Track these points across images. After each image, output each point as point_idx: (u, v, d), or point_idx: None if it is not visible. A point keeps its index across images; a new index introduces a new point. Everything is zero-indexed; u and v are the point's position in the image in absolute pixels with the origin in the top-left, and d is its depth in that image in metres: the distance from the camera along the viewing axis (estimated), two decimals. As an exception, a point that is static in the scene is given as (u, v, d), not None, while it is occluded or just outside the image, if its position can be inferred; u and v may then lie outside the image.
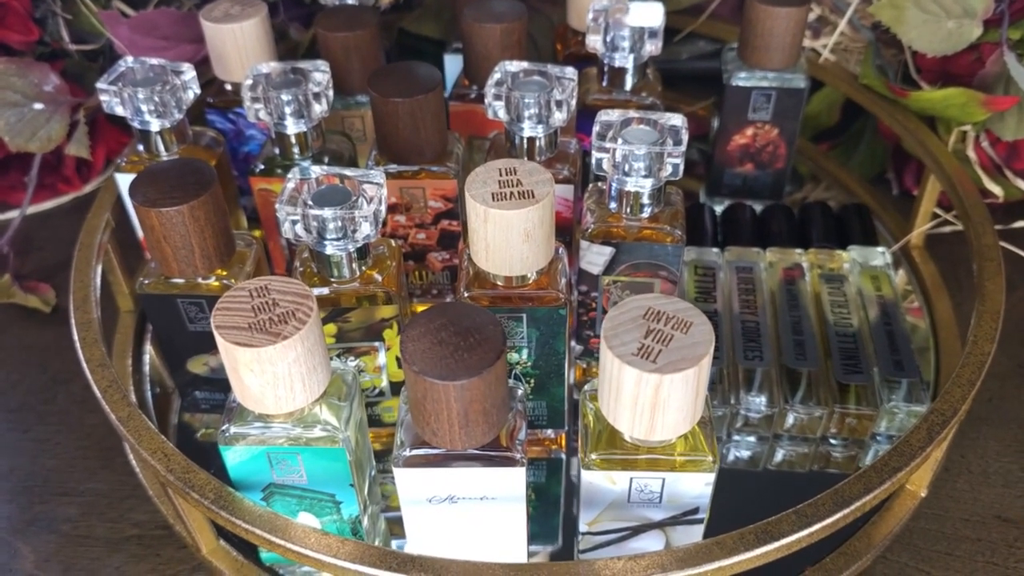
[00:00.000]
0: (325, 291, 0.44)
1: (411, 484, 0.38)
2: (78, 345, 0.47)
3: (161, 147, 0.53)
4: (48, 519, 0.51)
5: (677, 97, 0.77)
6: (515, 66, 0.51)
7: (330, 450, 0.39)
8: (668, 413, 0.35)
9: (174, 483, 0.40)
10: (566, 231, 0.54)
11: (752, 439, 0.52)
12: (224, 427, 0.39)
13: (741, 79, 0.62)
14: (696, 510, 0.40)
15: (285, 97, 0.51)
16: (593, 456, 0.38)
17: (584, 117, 0.57)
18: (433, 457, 0.37)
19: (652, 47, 0.56)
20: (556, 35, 0.69)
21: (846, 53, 0.70)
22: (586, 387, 0.40)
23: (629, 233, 0.47)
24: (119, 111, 0.52)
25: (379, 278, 0.45)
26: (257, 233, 0.60)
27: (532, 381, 0.48)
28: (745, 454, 0.52)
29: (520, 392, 0.39)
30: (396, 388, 0.50)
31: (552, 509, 0.51)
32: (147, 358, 0.58)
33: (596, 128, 0.45)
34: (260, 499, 0.42)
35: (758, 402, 0.50)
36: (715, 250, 0.59)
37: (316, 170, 0.43)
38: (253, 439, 0.39)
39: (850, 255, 0.58)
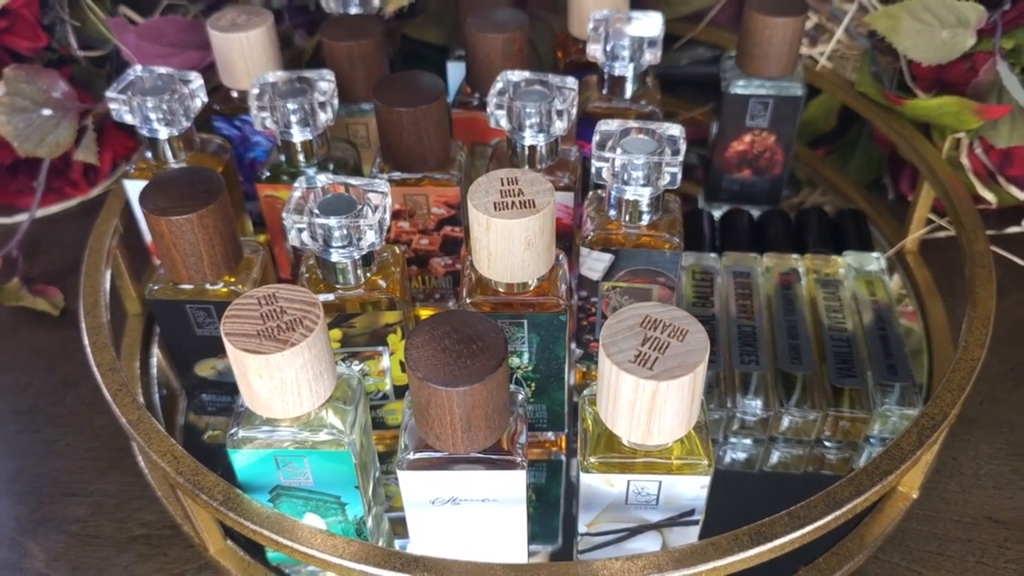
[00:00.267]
0: (330, 297, 0.45)
1: (414, 486, 0.39)
2: (88, 349, 0.48)
3: (169, 154, 0.54)
4: (57, 519, 0.52)
5: (676, 103, 0.78)
6: (517, 76, 0.51)
7: (335, 453, 0.40)
8: (664, 418, 0.36)
9: (183, 485, 0.41)
10: (566, 237, 0.55)
11: (748, 441, 0.53)
12: (232, 431, 0.40)
13: (739, 87, 0.62)
14: (692, 512, 0.41)
15: (291, 106, 0.52)
16: (592, 459, 0.39)
17: (585, 124, 0.58)
18: (436, 460, 0.38)
19: (651, 56, 0.57)
20: (557, 43, 0.70)
21: (843, 61, 0.71)
22: (585, 392, 0.41)
23: (628, 240, 0.48)
24: (128, 119, 0.52)
25: (383, 284, 0.45)
26: (262, 238, 0.61)
27: (533, 385, 0.49)
28: (741, 456, 0.53)
29: (521, 397, 0.40)
30: (400, 391, 0.51)
31: (552, 510, 0.51)
32: (155, 361, 0.59)
33: (596, 138, 0.46)
34: (267, 501, 0.43)
35: (754, 405, 0.51)
36: (713, 255, 0.60)
37: (322, 179, 0.44)
38: (261, 442, 0.40)
39: (845, 260, 0.59)
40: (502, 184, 0.42)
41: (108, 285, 0.53)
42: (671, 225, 0.48)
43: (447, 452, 0.38)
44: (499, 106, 0.50)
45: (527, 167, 0.52)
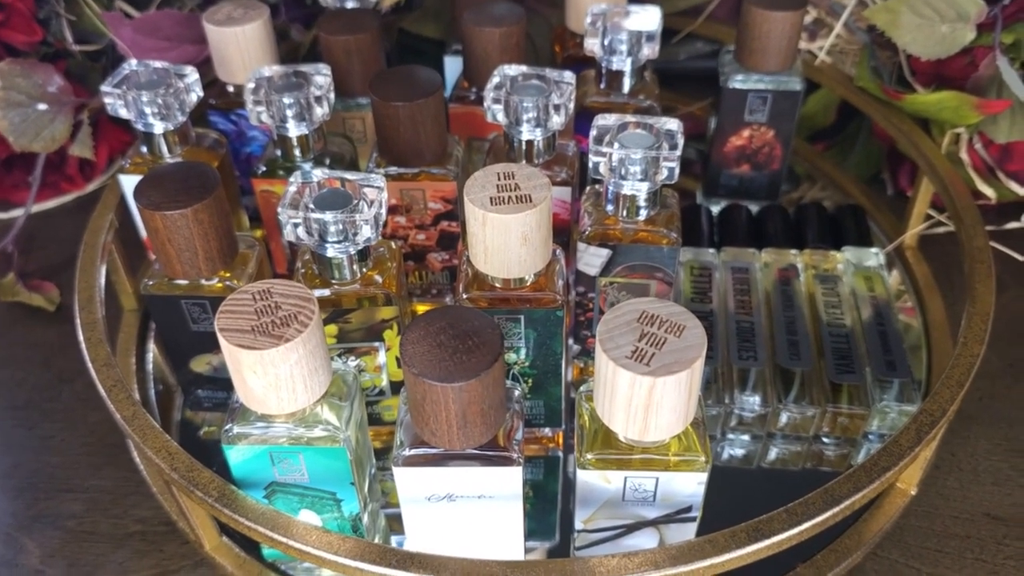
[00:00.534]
0: (326, 292, 0.45)
1: (410, 483, 0.39)
2: (83, 345, 0.47)
3: (164, 149, 0.53)
4: (53, 515, 0.51)
5: (674, 97, 0.78)
6: (514, 70, 0.51)
7: (331, 449, 0.40)
8: (661, 414, 0.36)
9: (178, 481, 0.41)
10: (564, 232, 0.55)
11: (746, 437, 0.53)
12: (227, 427, 0.40)
13: (738, 82, 0.62)
14: (689, 508, 0.41)
15: (287, 100, 0.51)
16: (589, 456, 0.39)
17: (582, 119, 0.58)
18: (432, 457, 0.38)
19: (649, 50, 0.57)
20: (555, 37, 0.70)
21: (842, 55, 0.71)
22: (582, 388, 0.41)
23: (625, 235, 0.47)
24: (123, 114, 0.52)
25: (379, 280, 0.45)
26: (258, 232, 0.61)
27: (530, 380, 0.48)
28: (739, 452, 0.53)
29: (517, 393, 0.40)
30: (396, 387, 0.51)
31: (549, 506, 0.51)
32: (150, 356, 0.59)
33: (593, 132, 0.46)
34: (262, 497, 0.43)
35: (752, 401, 0.51)
36: (711, 250, 0.60)
37: (318, 174, 0.44)
38: (255, 439, 0.40)
39: (844, 256, 0.59)
40: (499, 179, 0.42)
41: (103, 280, 0.52)
42: (669, 220, 0.48)
43: (443, 448, 0.38)
44: (496, 100, 0.50)
45: (524, 162, 0.52)
